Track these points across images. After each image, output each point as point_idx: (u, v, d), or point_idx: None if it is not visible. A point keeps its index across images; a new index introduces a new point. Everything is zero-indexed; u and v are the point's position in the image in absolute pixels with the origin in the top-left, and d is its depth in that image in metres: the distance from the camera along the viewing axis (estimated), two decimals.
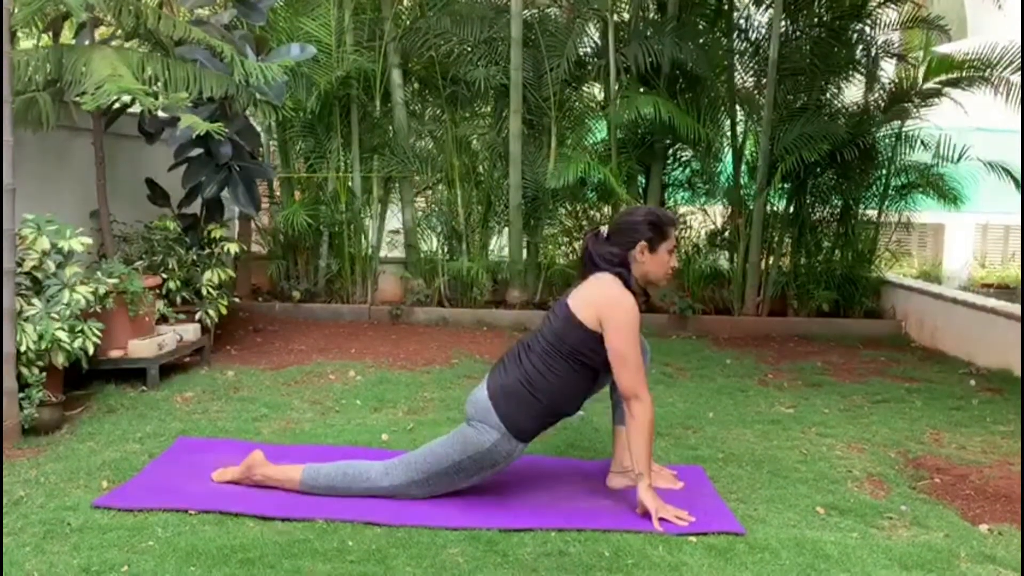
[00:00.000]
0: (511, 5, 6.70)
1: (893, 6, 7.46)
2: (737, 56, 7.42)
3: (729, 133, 7.43)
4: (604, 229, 3.15)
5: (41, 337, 3.79)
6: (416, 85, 7.53)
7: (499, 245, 7.54)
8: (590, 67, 7.40)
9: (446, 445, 3.04)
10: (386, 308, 7.01)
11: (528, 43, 6.96)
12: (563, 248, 7.62)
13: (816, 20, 7.44)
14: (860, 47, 7.45)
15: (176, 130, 5.33)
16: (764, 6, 7.35)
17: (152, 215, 5.77)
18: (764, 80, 7.13)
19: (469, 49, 7.03)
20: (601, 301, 2.98)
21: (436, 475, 3.03)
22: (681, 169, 7.61)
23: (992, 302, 6.25)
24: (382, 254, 7.49)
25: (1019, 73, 6.82)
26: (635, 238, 3.07)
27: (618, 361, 2.95)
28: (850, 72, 7.47)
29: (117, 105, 5.24)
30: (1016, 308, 5.81)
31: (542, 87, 7.03)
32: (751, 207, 7.24)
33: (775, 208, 7.48)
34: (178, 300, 5.35)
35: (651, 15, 7.43)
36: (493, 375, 3.09)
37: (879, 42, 7.50)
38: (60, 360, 3.89)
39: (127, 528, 2.73)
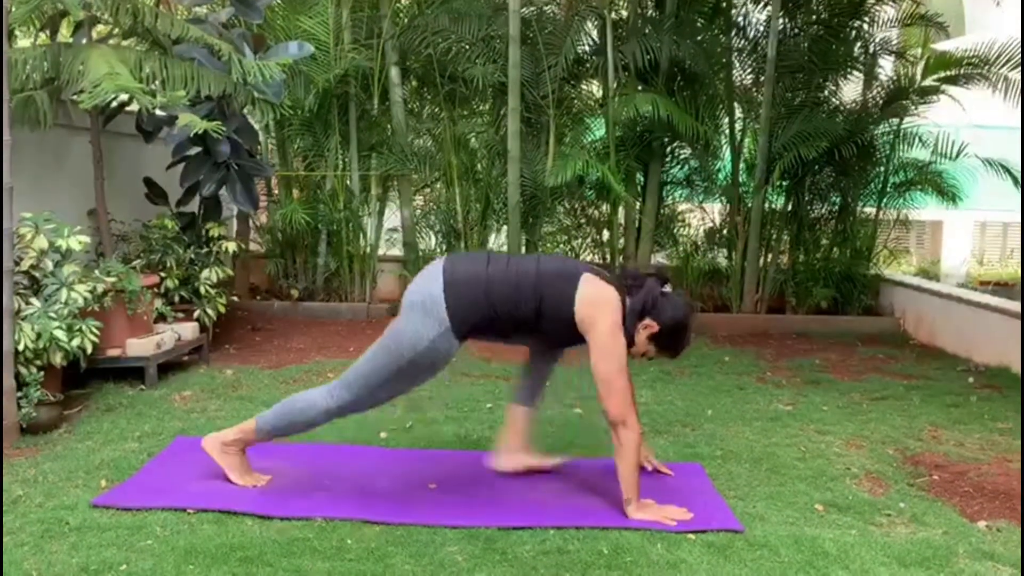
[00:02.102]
0: (509, 3, 6.68)
1: (891, 3, 7.45)
2: (735, 54, 7.42)
3: (727, 131, 7.42)
4: (668, 288, 3.06)
5: (39, 336, 3.79)
6: (414, 83, 7.53)
7: (498, 243, 7.53)
8: (588, 65, 7.39)
9: (382, 354, 2.96)
10: (385, 306, 7.01)
11: (526, 41, 6.95)
12: (561, 246, 7.61)
13: (814, 17, 7.44)
14: (858, 44, 7.44)
15: (174, 128, 5.31)
16: (762, 4, 7.35)
17: (150, 214, 5.77)
18: (762, 78, 7.13)
19: (467, 47, 7.02)
20: (599, 317, 2.90)
21: (379, 386, 2.98)
22: (680, 167, 7.60)
23: (990, 299, 6.26)
24: (380, 252, 7.48)
25: (1018, 70, 6.81)
26: (660, 319, 2.98)
27: (604, 387, 2.89)
28: (848, 69, 7.46)
29: (115, 104, 5.24)
30: (1014, 305, 5.82)
31: (540, 85, 7.02)
32: (749, 205, 7.25)
33: (773, 206, 7.49)
34: (176, 299, 5.35)
35: (649, 12, 7.43)
36: (455, 264, 3.01)
37: (877, 39, 7.50)
38: (58, 359, 3.89)
39: (126, 527, 2.73)
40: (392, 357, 2.94)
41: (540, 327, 2.99)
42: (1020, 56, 6.71)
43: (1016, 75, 6.87)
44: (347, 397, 3.02)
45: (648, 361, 3.14)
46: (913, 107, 7.34)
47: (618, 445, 2.92)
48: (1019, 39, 6.62)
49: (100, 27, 5.37)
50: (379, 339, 3.02)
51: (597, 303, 2.93)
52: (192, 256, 5.52)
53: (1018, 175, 7.07)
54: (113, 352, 4.51)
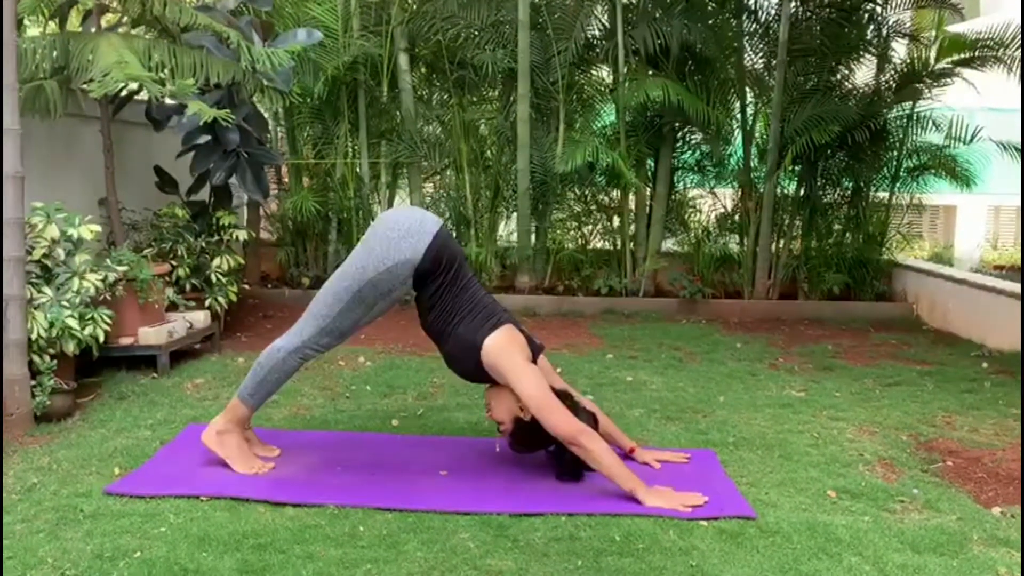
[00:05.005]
0: None
1: None
2: (747, 37, 7.35)
3: (739, 115, 7.37)
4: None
5: (52, 325, 3.80)
6: (423, 70, 7.50)
7: (507, 230, 7.52)
8: (598, 50, 7.35)
9: (344, 278, 3.09)
10: None
11: (535, 26, 6.91)
12: (572, 233, 7.59)
13: (826, 0, 7.36)
14: (871, 27, 7.37)
15: (183, 117, 5.32)
16: None
17: (161, 202, 5.78)
18: (774, 61, 7.07)
19: (476, 33, 6.99)
20: (511, 351, 3.05)
21: (341, 312, 3.11)
22: (691, 152, 7.57)
23: (1004, 284, 6.20)
24: None
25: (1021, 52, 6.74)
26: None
27: (543, 412, 2.97)
28: (861, 53, 7.40)
29: (124, 92, 5.25)
30: None
31: (550, 70, 6.99)
32: (761, 190, 7.21)
33: (785, 191, 7.44)
34: (187, 287, 5.36)
35: None
36: (447, 236, 3.12)
37: (890, 22, 7.42)
38: (71, 348, 3.91)
39: (139, 514, 2.75)
40: (355, 277, 3.06)
41: (445, 342, 3.11)
42: (1021, 38, 6.63)
43: None
44: (311, 330, 3.17)
45: (499, 428, 3.22)
46: (927, 90, 7.27)
47: (586, 455, 2.96)
48: (1020, 20, 6.53)
49: (109, 16, 5.37)
50: (339, 268, 3.15)
51: (506, 343, 3.05)
52: (203, 244, 5.53)
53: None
54: (125, 341, 4.53)
